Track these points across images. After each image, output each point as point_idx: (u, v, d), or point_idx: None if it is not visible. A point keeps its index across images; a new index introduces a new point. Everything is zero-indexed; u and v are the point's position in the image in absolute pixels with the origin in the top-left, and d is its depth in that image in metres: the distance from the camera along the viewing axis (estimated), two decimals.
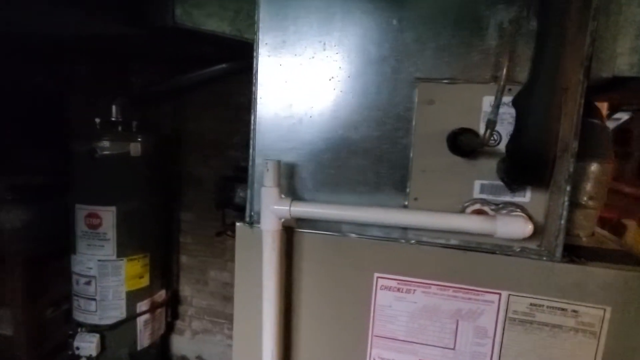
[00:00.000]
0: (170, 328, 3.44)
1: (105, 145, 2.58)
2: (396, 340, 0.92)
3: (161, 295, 3.12)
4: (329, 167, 0.87)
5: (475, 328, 0.88)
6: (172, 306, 3.40)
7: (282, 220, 0.85)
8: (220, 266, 3.39)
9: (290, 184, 0.91)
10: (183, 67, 3.07)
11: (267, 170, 0.82)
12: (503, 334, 0.86)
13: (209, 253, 3.42)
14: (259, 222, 0.94)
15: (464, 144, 0.74)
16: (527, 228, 0.74)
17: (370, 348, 0.93)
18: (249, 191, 0.94)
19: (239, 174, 3.23)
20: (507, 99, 0.78)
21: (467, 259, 0.86)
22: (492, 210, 0.83)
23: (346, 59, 0.86)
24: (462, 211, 0.84)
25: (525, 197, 0.82)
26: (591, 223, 0.96)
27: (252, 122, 0.92)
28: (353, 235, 0.90)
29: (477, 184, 0.83)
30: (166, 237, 3.33)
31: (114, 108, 2.70)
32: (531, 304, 0.85)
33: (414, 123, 0.84)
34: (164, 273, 3.21)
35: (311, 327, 0.95)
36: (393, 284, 0.90)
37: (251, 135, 0.92)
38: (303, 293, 0.95)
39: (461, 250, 0.86)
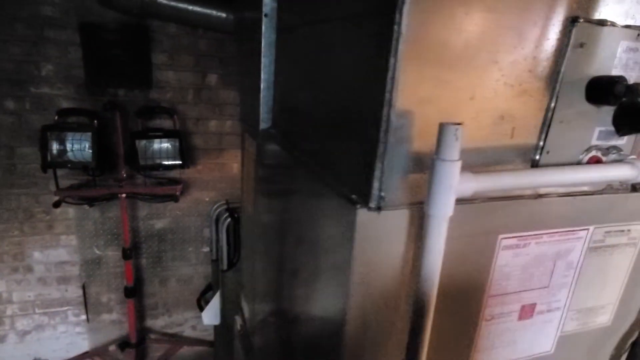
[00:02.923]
0: None
1: None
2: (506, 295, 0.91)
3: None
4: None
5: (566, 264, 0.94)
6: None
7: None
8: (49, 243, 2.58)
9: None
10: None
11: (456, 138, 0.61)
12: (583, 262, 0.96)
13: (26, 230, 2.52)
14: (392, 205, 0.71)
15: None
16: None
17: (484, 309, 0.90)
18: (378, 164, 0.69)
19: (64, 120, 2.35)
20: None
21: (573, 204, 0.89)
22: (602, 155, 0.86)
23: None
24: (581, 160, 0.85)
25: (623, 140, 0.88)
26: None
27: (392, 52, 0.63)
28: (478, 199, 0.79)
29: (596, 131, 0.84)
30: None
31: None
32: (605, 232, 0.96)
33: (562, 69, 0.75)
34: None
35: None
36: (513, 242, 0.86)
37: (389, 75, 0.64)
38: None
39: (571, 197, 0.88)
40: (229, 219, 2.49)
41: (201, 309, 2.82)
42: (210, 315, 2.72)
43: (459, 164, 0.63)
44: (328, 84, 0.87)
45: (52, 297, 2.67)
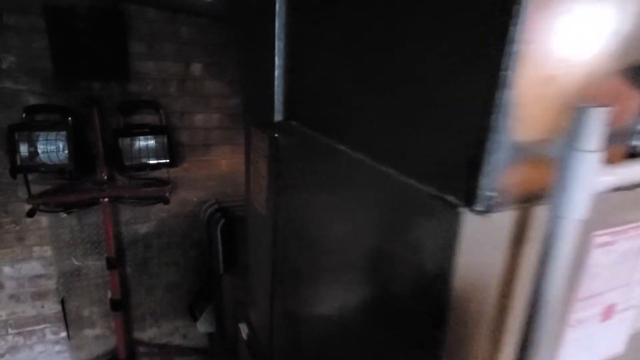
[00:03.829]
0: None
1: None
2: (592, 297, 0.82)
3: None
4: None
5: None
6: None
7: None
8: (21, 256, 2.32)
9: None
10: None
11: (601, 125, 0.50)
12: None
13: None
14: (501, 206, 0.60)
15: None
16: None
17: (570, 314, 0.81)
18: (487, 159, 0.56)
19: (32, 118, 2.09)
20: None
21: None
22: None
23: None
24: None
25: None
26: None
27: (514, 16, 0.51)
28: None
29: None
30: None
31: None
32: None
33: None
34: None
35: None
36: (604, 239, 0.77)
37: (507, 48, 0.52)
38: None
39: None
40: (222, 220, 2.32)
41: (193, 316, 2.64)
42: (205, 322, 2.55)
43: (600, 156, 0.52)
44: (403, 66, 0.74)
45: (27, 314, 2.42)
